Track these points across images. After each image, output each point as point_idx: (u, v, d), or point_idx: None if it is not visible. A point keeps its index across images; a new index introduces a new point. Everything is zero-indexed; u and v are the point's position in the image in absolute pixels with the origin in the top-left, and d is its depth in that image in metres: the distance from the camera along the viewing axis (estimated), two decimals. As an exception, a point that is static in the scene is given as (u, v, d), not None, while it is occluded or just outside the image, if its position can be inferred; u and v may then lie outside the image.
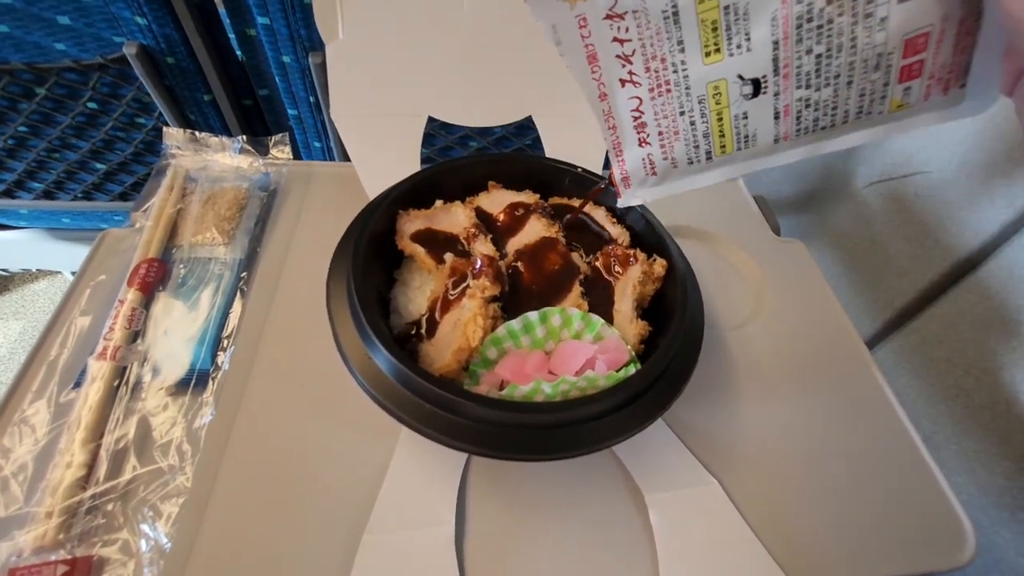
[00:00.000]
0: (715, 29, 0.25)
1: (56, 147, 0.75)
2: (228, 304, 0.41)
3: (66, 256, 1.02)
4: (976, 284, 0.47)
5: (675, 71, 0.27)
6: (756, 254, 0.52)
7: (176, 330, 0.39)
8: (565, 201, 0.45)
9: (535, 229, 0.41)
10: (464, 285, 0.36)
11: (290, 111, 0.76)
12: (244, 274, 0.43)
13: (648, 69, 0.27)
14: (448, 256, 0.38)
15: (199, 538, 0.31)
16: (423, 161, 0.50)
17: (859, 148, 0.60)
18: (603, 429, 0.32)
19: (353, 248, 0.36)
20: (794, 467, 0.38)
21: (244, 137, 0.49)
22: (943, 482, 0.38)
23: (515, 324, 0.35)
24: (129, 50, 0.62)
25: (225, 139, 0.49)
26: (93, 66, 0.64)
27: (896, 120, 0.25)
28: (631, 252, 0.40)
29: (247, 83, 0.75)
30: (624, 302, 0.38)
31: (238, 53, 0.72)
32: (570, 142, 0.51)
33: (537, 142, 0.55)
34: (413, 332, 0.36)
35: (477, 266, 0.36)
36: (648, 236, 0.42)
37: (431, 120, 0.51)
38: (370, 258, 0.37)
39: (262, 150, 0.50)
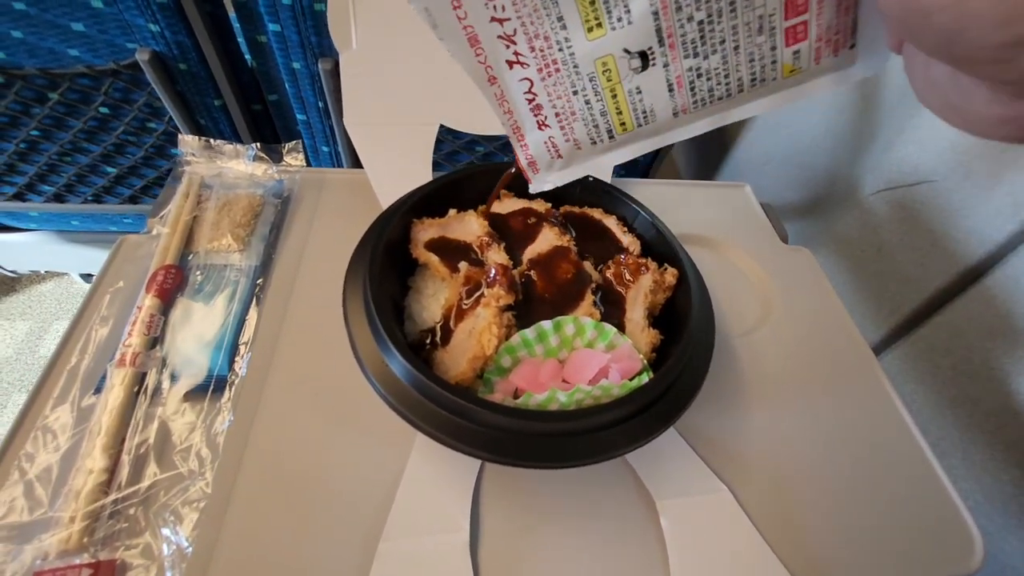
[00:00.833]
0: (593, 3, 0.24)
1: (67, 151, 0.75)
2: (244, 310, 0.41)
3: (75, 258, 1.03)
4: (982, 293, 0.47)
5: (560, 49, 0.26)
6: (764, 261, 0.53)
7: (194, 336, 0.39)
8: (577, 209, 0.45)
9: (547, 238, 0.41)
10: (478, 294, 0.37)
11: (299, 116, 0.76)
12: (260, 280, 0.43)
13: (533, 49, 0.26)
14: (462, 265, 0.38)
15: (219, 543, 0.32)
16: (432, 167, 0.51)
17: (865, 156, 0.60)
18: (616, 437, 0.32)
19: (370, 255, 0.37)
20: (803, 473, 0.39)
21: (258, 144, 0.50)
22: (951, 489, 0.39)
23: (529, 333, 0.35)
24: (142, 56, 0.63)
25: (239, 146, 0.49)
26: (106, 72, 0.65)
27: (793, 86, 0.25)
28: (642, 261, 0.40)
29: (257, 89, 0.76)
30: (636, 311, 0.38)
31: (248, 59, 0.73)
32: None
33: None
34: (428, 340, 0.37)
35: (491, 275, 0.37)
36: (659, 245, 0.42)
37: (439, 126, 0.51)
38: (385, 266, 0.37)
39: (275, 157, 0.51)
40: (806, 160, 0.70)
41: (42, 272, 1.32)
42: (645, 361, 0.36)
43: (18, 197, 0.83)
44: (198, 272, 0.43)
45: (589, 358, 0.34)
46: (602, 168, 0.31)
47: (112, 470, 0.33)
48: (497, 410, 0.31)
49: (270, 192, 0.49)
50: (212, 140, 0.49)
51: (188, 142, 0.49)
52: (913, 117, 0.54)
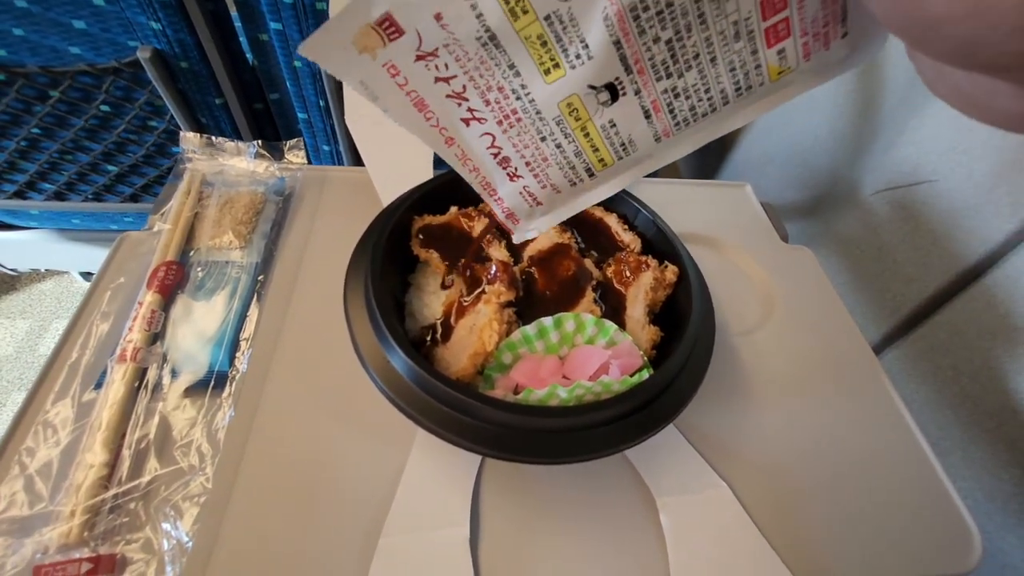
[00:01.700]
0: (544, 44, 0.22)
1: (68, 149, 0.75)
2: (245, 306, 0.42)
3: (75, 257, 1.03)
4: (982, 292, 0.48)
5: (518, 98, 0.24)
6: (764, 261, 0.53)
7: (194, 332, 0.39)
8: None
9: (548, 235, 0.41)
10: (479, 290, 0.37)
11: (300, 115, 0.77)
12: (261, 277, 0.43)
13: (488, 102, 0.24)
14: (463, 262, 0.38)
15: (220, 537, 0.32)
16: (433, 165, 0.51)
17: (865, 156, 0.60)
18: (616, 434, 0.32)
19: (371, 252, 0.37)
20: (803, 471, 0.39)
21: (259, 142, 0.50)
22: (951, 488, 0.39)
23: (530, 329, 0.35)
24: (143, 54, 0.63)
25: (241, 144, 0.50)
26: (107, 70, 0.65)
27: (784, 87, 0.23)
28: (643, 259, 0.40)
29: (258, 87, 0.76)
30: (636, 308, 0.38)
31: (250, 58, 0.73)
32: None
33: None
34: (429, 336, 0.37)
35: (492, 272, 0.37)
36: (660, 243, 0.42)
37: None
38: (386, 262, 0.37)
39: (277, 155, 0.51)
40: (807, 160, 0.70)
41: (42, 270, 1.32)
42: (645, 358, 0.36)
43: (19, 195, 0.83)
44: (199, 269, 0.43)
45: (590, 354, 0.34)
46: (588, 205, 0.29)
47: (112, 465, 0.33)
48: (498, 406, 0.31)
49: (272, 189, 0.49)
50: (214, 137, 0.49)
51: (190, 139, 0.49)
52: (913, 118, 0.54)
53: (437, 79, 0.23)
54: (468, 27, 0.21)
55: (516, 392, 0.34)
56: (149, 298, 0.40)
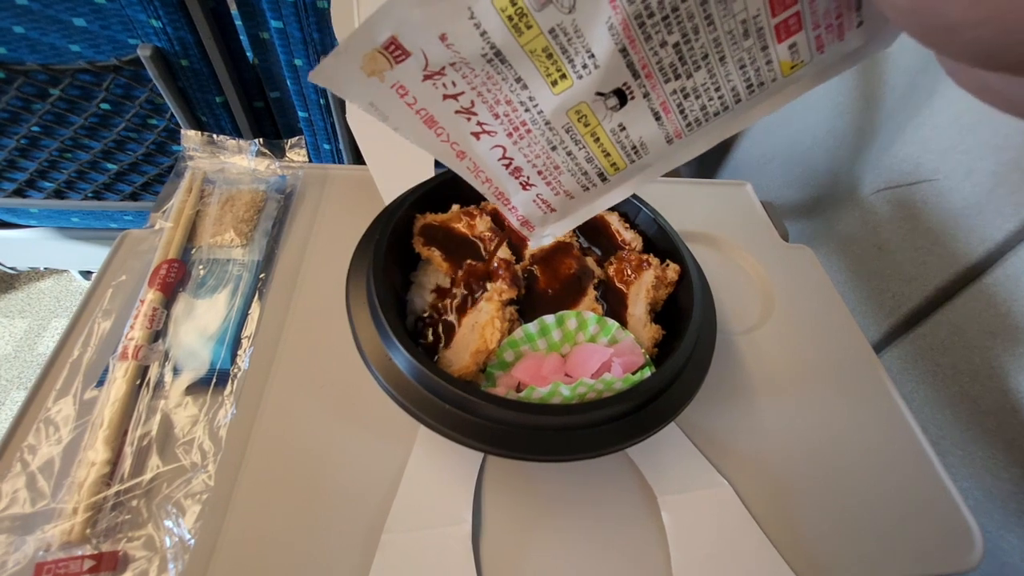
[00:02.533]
0: (550, 56, 0.22)
1: (68, 147, 0.75)
2: (247, 304, 0.41)
3: (75, 255, 1.03)
4: (982, 291, 0.48)
5: (526, 110, 0.24)
6: (765, 259, 0.53)
7: (196, 330, 0.39)
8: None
9: (550, 233, 0.41)
10: (481, 288, 0.37)
11: (301, 114, 0.77)
12: (262, 275, 0.43)
13: (497, 116, 0.24)
14: (467, 261, 0.38)
15: (222, 534, 0.32)
16: (436, 164, 0.51)
17: (866, 155, 0.61)
18: (618, 432, 0.32)
19: (373, 250, 0.37)
20: (803, 469, 0.39)
21: (261, 140, 0.50)
22: (951, 486, 0.39)
23: (532, 327, 0.35)
24: (143, 52, 0.63)
25: (242, 142, 0.50)
26: (107, 68, 0.65)
27: (799, 80, 0.23)
28: (644, 257, 0.40)
29: (259, 86, 0.76)
30: (637, 306, 0.38)
31: (250, 56, 0.73)
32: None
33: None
34: (430, 333, 0.37)
35: (494, 269, 0.37)
36: (661, 241, 0.42)
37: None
38: (388, 260, 0.37)
39: (278, 153, 0.51)
40: (807, 159, 0.70)
41: (41, 269, 1.32)
42: (647, 356, 0.36)
43: (18, 193, 0.83)
44: (201, 267, 0.43)
45: (592, 352, 0.34)
46: (604, 208, 0.29)
47: (114, 462, 0.33)
48: (500, 403, 0.31)
49: (273, 187, 0.49)
50: (215, 136, 0.49)
51: (191, 137, 0.49)
52: (914, 116, 0.54)
53: (445, 96, 0.23)
54: (473, 46, 0.22)
55: (518, 390, 0.34)
56: (151, 296, 0.40)
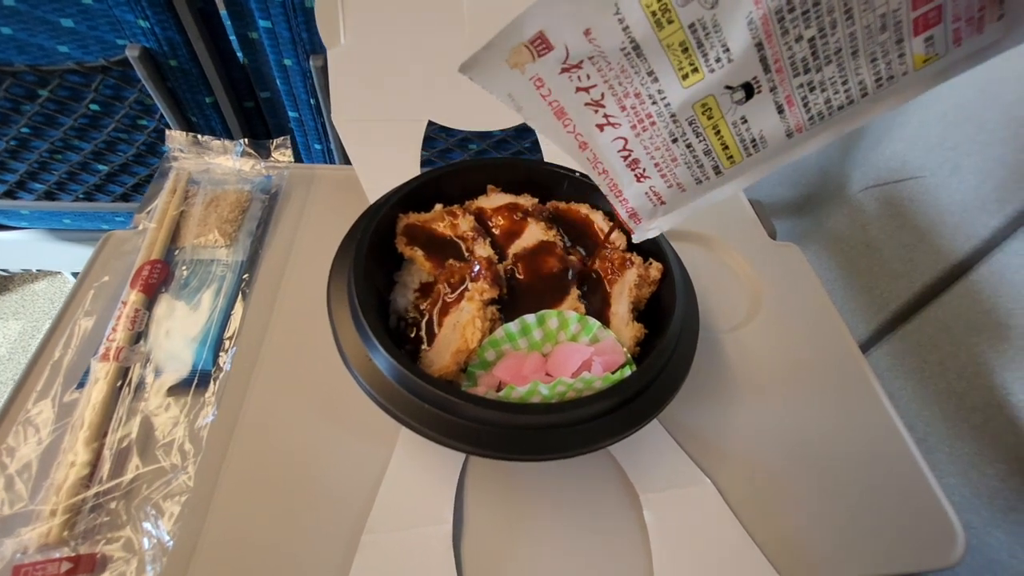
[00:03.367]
0: (686, 50, 0.23)
1: (58, 148, 0.75)
2: (230, 305, 0.41)
3: (67, 256, 1.02)
4: (968, 288, 0.48)
5: (654, 102, 0.25)
6: (752, 257, 0.53)
7: (178, 331, 0.39)
8: (563, 205, 0.45)
9: (533, 233, 0.41)
10: (463, 288, 0.37)
11: (291, 113, 0.76)
12: (246, 276, 0.43)
13: (624, 108, 0.26)
14: (449, 261, 0.38)
15: (201, 536, 0.32)
16: (423, 164, 0.51)
17: (854, 152, 0.60)
18: (599, 430, 0.32)
19: (355, 251, 0.37)
20: (787, 468, 0.39)
21: (246, 140, 0.50)
22: (934, 483, 0.39)
23: (513, 326, 0.35)
24: (132, 53, 0.63)
25: (227, 142, 0.49)
26: (96, 68, 0.65)
27: (928, 77, 0.23)
28: (627, 255, 0.40)
29: (248, 85, 0.76)
30: (620, 305, 0.38)
31: (240, 56, 0.73)
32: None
33: (536, 146, 0.55)
34: (412, 334, 0.37)
35: (476, 269, 0.37)
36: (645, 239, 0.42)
37: (431, 123, 0.51)
38: (371, 260, 0.37)
39: (264, 153, 0.51)
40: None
41: (34, 271, 1.32)
42: (629, 355, 0.36)
43: (9, 195, 0.83)
44: (184, 267, 0.43)
45: (572, 352, 0.34)
46: (708, 205, 0.29)
47: (94, 464, 0.33)
48: (480, 403, 0.31)
49: (258, 188, 0.49)
50: (200, 136, 0.49)
51: (176, 138, 0.49)
52: (901, 114, 0.54)
53: (578, 89, 0.25)
54: (614, 40, 0.23)
55: (499, 389, 0.34)
56: (133, 297, 0.39)
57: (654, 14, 0.22)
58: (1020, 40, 0.21)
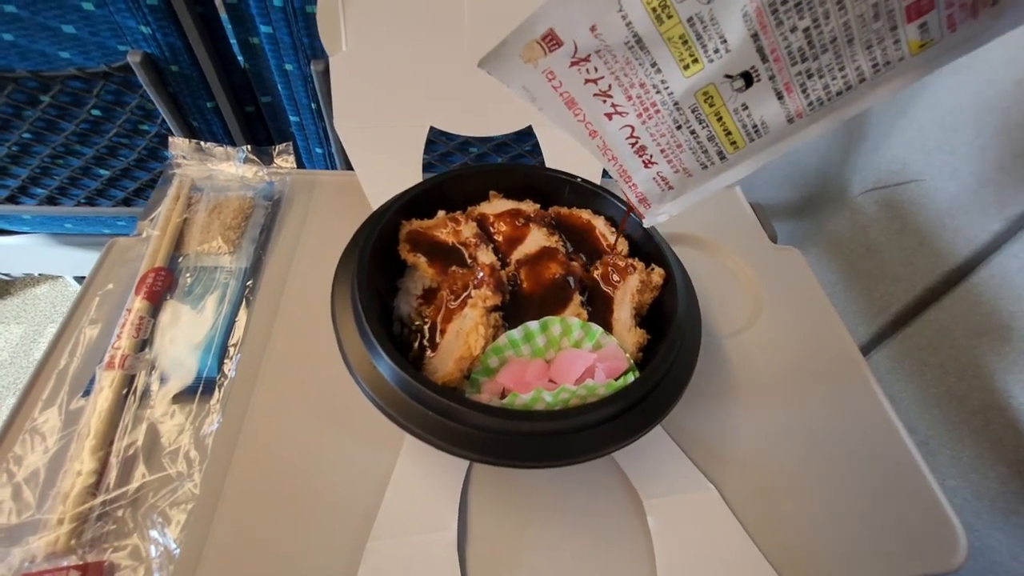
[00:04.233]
0: (686, 43, 0.24)
1: (60, 154, 0.75)
2: (234, 312, 0.42)
3: (68, 261, 1.03)
4: (969, 292, 0.48)
5: (658, 92, 0.27)
6: (753, 261, 0.53)
7: (183, 338, 0.39)
8: (565, 211, 0.45)
9: (536, 239, 0.41)
10: (466, 295, 0.37)
11: (292, 118, 0.77)
12: (249, 282, 0.44)
13: (630, 98, 0.27)
14: (452, 267, 0.38)
15: (207, 544, 0.32)
16: (424, 168, 0.51)
17: (853, 155, 0.61)
18: (602, 437, 0.32)
19: (357, 258, 0.37)
20: (790, 472, 0.39)
21: (249, 147, 0.50)
22: (936, 486, 0.39)
23: (516, 333, 0.35)
24: (133, 58, 0.63)
25: (230, 148, 0.50)
26: (97, 74, 0.65)
27: (926, 61, 0.23)
28: (630, 261, 0.41)
29: (250, 90, 0.76)
30: (622, 311, 0.39)
31: (241, 61, 0.73)
32: (570, 152, 0.52)
33: (537, 148, 0.56)
34: (416, 342, 0.37)
35: (479, 276, 0.37)
36: (646, 245, 0.43)
37: (431, 127, 0.52)
38: (373, 267, 0.38)
39: (266, 159, 0.51)
40: (796, 159, 0.70)
41: (36, 275, 1.32)
42: (631, 361, 0.36)
43: (11, 200, 0.83)
44: (188, 274, 0.43)
45: (575, 358, 0.34)
46: (716, 190, 0.31)
47: (100, 472, 0.33)
48: (484, 410, 0.31)
49: (260, 194, 0.49)
50: (202, 142, 0.49)
51: (178, 144, 0.49)
52: (901, 118, 0.55)
53: (587, 80, 0.27)
54: (618, 35, 0.25)
55: (502, 396, 0.34)
56: (137, 304, 0.40)
57: (654, 10, 0.24)
58: (1015, 24, 0.22)
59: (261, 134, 0.82)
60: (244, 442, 0.36)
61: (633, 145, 0.29)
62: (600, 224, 0.44)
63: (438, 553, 0.32)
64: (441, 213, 0.43)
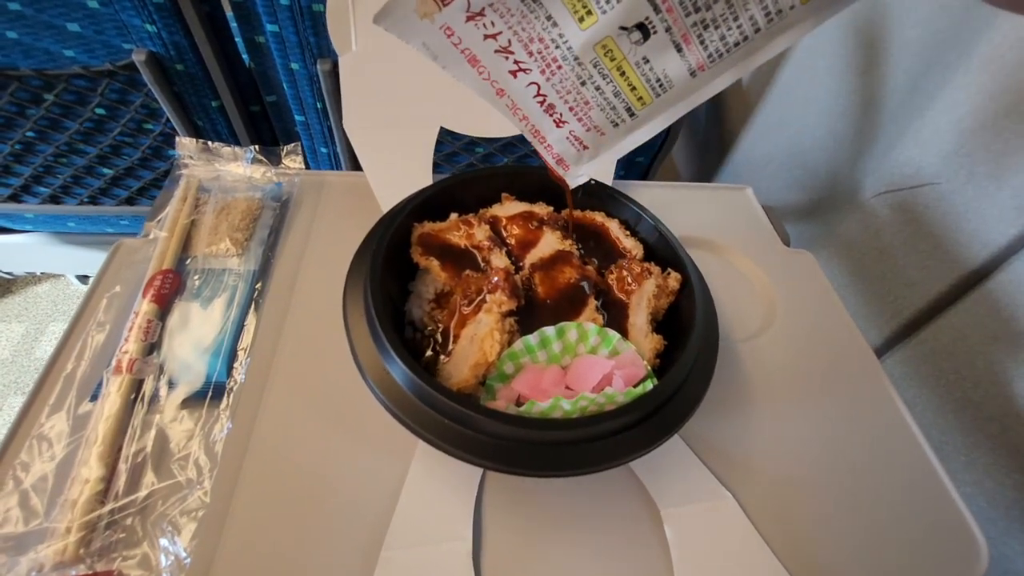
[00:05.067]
0: None
1: (63, 152, 0.75)
2: (243, 315, 0.41)
3: (70, 260, 1.02)
4: (985, 296, 0.47)
5: (557, 47, 0.26)
6: (766, 265, 0.52)
7: (192, 342, 0.39)
8: (579, 213, 0.45)
9: (549, 242, 0.41)
10: (480, 299, 0.36)
11: (298, 117, 0.76)
12: (258, 285, 0.43)
13: (531, 53, 0.27)
14: (466, 271, 0.38)
15: (218, 553, 0.31)
16: (433, 171, 0.50)
17: (866, 157, 0.60)
18: (620, 445, 0.32)
19: (371, 261, 0.36)
20: (807, 480, 0.39)
21: (256, 147, 0.49)
22: (956, 495, 0.39)
23: (532, 339, 0.35)
24: (138, 57, 0.62)
25: (237, 149, 0.49)
26: (102, 73, 0.65)
27: (817, 9, 0.24)
28: (645, 266, 0.40)
29: (255, 90, 0.75)
30: (639, 316, 0.38)
31: (246, 60, 0.72)
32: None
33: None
34: (430, 347, 0.36)
35: (493, 280, 0.36)
36: (662, 249, 0.42)
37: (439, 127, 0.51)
38: (385, 270, 0.37)
39: (274, 160, 0.50)
40: (808, 162, 0.69)
41: (38, 274, 1.31)
42: (649, 367, 0.35)
43: (14, 198, 0.82)
44: (196, 277, 0.43)
45: (592, 365, 0.34)
46: (631, 148, 0.31)
47: (109, 479, 0.32)
48: (500, 418, 0.30)
49: (268, 195, 0.49)
50: (210, 143, 0.49)
51: (185, 145, 0.48)
52: (915, 120, 0.54)
53: (486, 36, 0.26)
54: None
55: (518, 403, 0.34)
56: (145, 307, 0.39)
57: None
58: None
59: (266, 134, 0.82)
60: (254, 448, 0.35)
61: (542, 104, 0.29)
62: (614, 227, 0.44)
63: (453, 563, 0.32)
64: (454, 216, 0.42)
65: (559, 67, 0.27)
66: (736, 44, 0.25)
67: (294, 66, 0.68)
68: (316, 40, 0.65)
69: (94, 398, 0.35)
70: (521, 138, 0.75)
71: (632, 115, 0.29)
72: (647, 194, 0.57)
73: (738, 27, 0.25)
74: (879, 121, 0.59)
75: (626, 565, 0.34)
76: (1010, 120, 0.45)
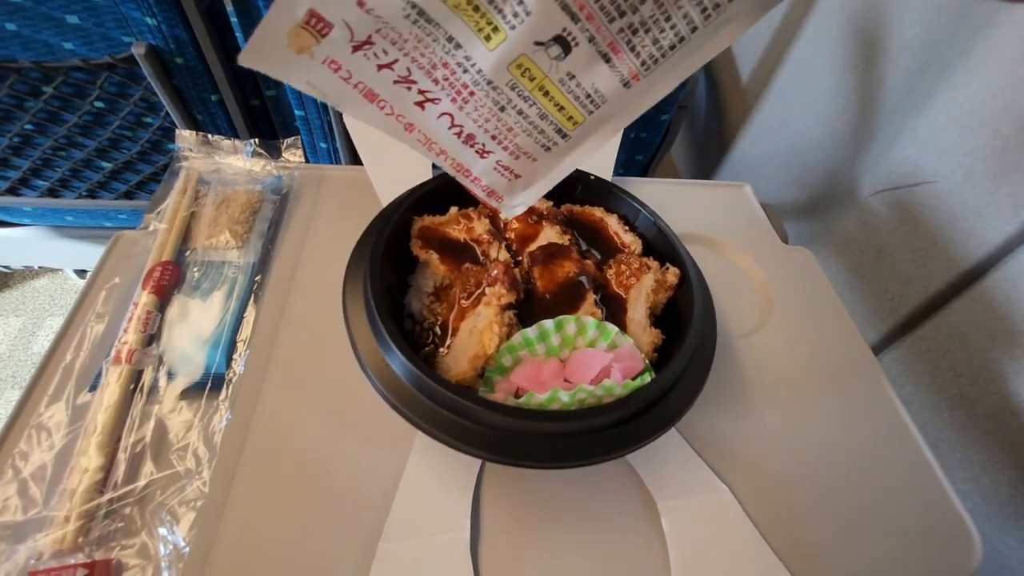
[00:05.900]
0: (477, 8, 0.21)
1: (62, 145, 0.74)
2: (242, 307, 0.41)
3: (69, 254, 1.02)
4: (981, 294, 0.48)
5: (465, 71, 0.23)
6: (764, 261, 0.53)
7: (191, 333, 0.39)
8: (578, 208, 0.45)
9: (549, 237, 0.41)
10: (479, 292, 0.36)
11: (297, 112, 0.76)
12: (258, 277, 0.43)
13: (436, 81, 0.23)
14: (466, 265, 0.38)
15: (216, 542, 0.31)
16: (434, 166, 0.50)
17: (864, 157, 0.60)
18: (617, 438, 0.32)
19: (370, 254, 0.36)
20: (803, 474, 0.39)
21: (256, 140, 0.49)
22: (951, 491, 0.39)
23: (531, 332, 0.35)
24: (138, 50, 0.62)
25: (237, 142, 0.49)
26: (101, 65, 0.64)
27: (757, 3, 0.21)
28: (644, 260, 0.40)
29: (254, 84, 0.75)
30: (637, 310, 0.38)
31: (246, 54, 0.72)
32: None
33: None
34: (429, 339, 0.36)
35: (492, 273, 0.36)
36: (661, 244, 0.42)
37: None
38: (385, 263, 0.37)
39: (274, 153, 0.50)
40: (806, 160, 0.70)
41: (35, 268, 1.31)
42: (647, 361, 0.36)
43: (12, 192, 0.82)
44: (195, 269, 0.43)
45: (591, 358, 0.34)
46: (570, 170, 0.28)
47: (108, 469, 0.32)
48: (498, 409, 0.31)
49: (268, 188, 0.49)
50: (210, 136, 0.49)
51: (186, 137, 0.48)
52: (913, 118, 0.54)
53: (380, 67, 0.22)
54: (393, 8, 0.20)
55: (517, 395, 0.34)
56: (144, 299, 0.39)
57: None
58: None
59: (265, 128, 0.82)
60: (253, 439, 0.35)
61: (459, 135, 0.25)
62: (613, 222, 0.44)
63: (451, 555, 0.32)
64: (454, 209, 0.42)
65: (471, 93, 0.23)
66: (672, 47, 0.22)
67: (294, 60, 0.68)
68: (316, 35, 0.65)
69: (93, 388, 0.35)
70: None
71: (565, 137, 0.26)
72: (646, 191, 0.57)
73: (672, 28, 0.22)
74: (877, 120, 0.59)
75: (623, 556, 0.34)
76: (1010, 118, 0.45)
